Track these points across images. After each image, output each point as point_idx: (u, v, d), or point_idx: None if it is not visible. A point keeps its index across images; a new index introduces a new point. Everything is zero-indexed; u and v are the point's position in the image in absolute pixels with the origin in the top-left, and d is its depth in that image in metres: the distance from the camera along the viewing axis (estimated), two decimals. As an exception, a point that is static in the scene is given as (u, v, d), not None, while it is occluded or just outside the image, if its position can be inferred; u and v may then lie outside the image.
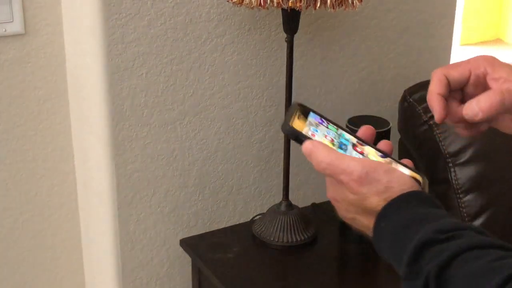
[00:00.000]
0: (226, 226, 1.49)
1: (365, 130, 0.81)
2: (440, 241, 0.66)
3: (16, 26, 1.38)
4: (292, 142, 1.47)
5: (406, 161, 0.79)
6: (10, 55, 1.40)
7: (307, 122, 0.78)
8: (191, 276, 1.44)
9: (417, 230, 0.68)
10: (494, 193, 1.36)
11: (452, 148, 1.41)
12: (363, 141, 0.79)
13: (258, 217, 1.46)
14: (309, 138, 0.77)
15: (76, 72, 1.43)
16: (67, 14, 1.40)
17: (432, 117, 1.43)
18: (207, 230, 1.47)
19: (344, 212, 0.78)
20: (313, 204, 1.54)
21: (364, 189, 0.74)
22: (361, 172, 0.73)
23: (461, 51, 4.57)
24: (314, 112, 0.80)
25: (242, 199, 1.51)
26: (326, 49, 1.49)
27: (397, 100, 1.55)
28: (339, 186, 0.76)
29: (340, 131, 0.79)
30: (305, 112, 0.80)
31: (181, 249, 1.43)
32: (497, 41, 4.99)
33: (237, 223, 1.50)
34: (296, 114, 0.78)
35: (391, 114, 1.57)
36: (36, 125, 1.47)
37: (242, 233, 1.43)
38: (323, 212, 1.50)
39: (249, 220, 1.48)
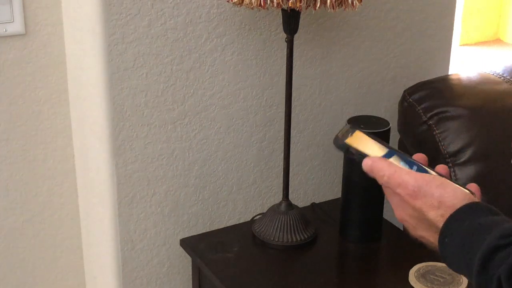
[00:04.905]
0: (226, 226, 1.49)
1: (417, 156, 0.83)
2: (505, 246, 0.68)
3: (16, 26, 1.38)
4: (292, 142, 1.48)
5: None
6: (11, 55, 1.40)
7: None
8: (191, 276, 1.44)
9: (482, 239, 0.70)
10: (494, 193, 1.36)
11: (452, 148, 1.41)
12: (419, 163, 0.81)
13: (258, 217, 1.46)
14: (365, 155, 0.81)
15: (76, 72, 1.43)
16: (67, 14, 1.40)
17: (431, 117, 1.44)
18: (207, 230, 1.47)
19: (413, 230, 0.80)
20: (313, 204, 1.54)
21: (418, 203, 0.76)
22: (414, 186, 0.76)
23: (460, 51, 4.57)
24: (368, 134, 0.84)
25: (242, 199, 1.51)
26: (326, 49, 1.49)
27: (397, 100, 1.56)
28: (402, 203, 0.79)
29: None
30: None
31: (181, 249, 1.43)
32: (497, 41, 4.99)
33: (237, 223, 1.50)
34: (350, 132, 0.83)
35: (391, 114, 1.57)
36: (37, 125, 1.47)
37: (242, 233, 1.43)
38: (323, 212, 1.50)
39: (249, 220, 1.48)
